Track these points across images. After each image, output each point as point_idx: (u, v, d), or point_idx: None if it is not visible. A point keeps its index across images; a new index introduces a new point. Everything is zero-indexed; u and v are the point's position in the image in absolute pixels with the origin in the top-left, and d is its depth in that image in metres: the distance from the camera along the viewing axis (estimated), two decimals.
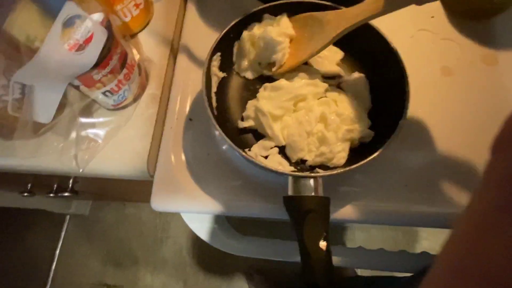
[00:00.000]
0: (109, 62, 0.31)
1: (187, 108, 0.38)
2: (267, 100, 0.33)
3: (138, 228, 1.06)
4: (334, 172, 0.28)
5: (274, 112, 0.32)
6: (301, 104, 0.33)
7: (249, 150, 0.33)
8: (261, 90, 0.34)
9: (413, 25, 0.41)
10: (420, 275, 0.36)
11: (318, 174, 0.28)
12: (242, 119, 0.34)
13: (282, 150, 0.33)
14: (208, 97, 0.31)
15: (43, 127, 0.35)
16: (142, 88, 0.39)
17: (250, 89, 0.36)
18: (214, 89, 0.34)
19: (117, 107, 0.37)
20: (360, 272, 0.84)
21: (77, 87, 0.33)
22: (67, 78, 0.30)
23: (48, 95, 0.30)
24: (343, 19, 0.30)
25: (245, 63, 0.36)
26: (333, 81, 0.35)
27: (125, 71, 0.34)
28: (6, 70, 0.31)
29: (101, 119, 0.37)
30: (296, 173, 0.28)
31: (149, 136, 0.37)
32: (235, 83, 0.37)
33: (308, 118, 0.32)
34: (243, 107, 0.35)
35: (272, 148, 0.33)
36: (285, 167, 0.32)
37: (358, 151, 0.32)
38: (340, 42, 0.36)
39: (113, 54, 0.32)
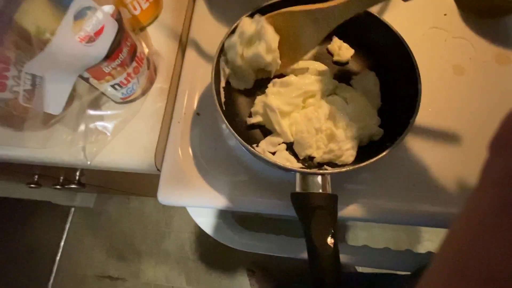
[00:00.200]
0: (119, 54, 0.31)
1: (195, 103, 0.38)
2: (276, 96, 0.32)
3: (141, 221, 1.07)
4: (343, 169, 0.27)
5: (283, 108, 0.32)
6: (310, 101, 0.33)
7: (257, 146, 0.32)
8: (270, 85, 0.34)
9: (425, 23, 0.40)
10: (419, 272, 0.36)
11: (326, 171, 0.28)
12: (250, 115, 0.34)
13: (289, 147, 0.33)
14: (217, 92, 0.31)
15: (53, 118, 0.35)
16: (151, 81, 0.39)
17: (259, 85, 0.36)
18: (222, 84, 0.34)
19: (126, 101, 0.37)
20: (361, 268, 0.84)
21: (86, 80, 0.33)
22: (77, 70, 0.30)
23: (59, 86, 0.30)
24: (331, 18, 0.28)
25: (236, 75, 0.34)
26: (343, 78, 0.35)
27: (134, 64, 0.34)
28: (17, 61, 0.31)
29: (109, 112, 0.37)
30: (305, 170, 0.28)
31: (156, 130, 0.37)
32: None
33: (317, 114, 0.31)
34: (251, 103, 0.35)
35: (280, 144, 0.33)
36: (292, 163, 0.31)
37: (367, 149, 0.31)
38: (351, 39, 0.36)
39: (123, 47, 0.32)
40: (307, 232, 0.25)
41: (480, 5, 0.39)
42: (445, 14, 0.40)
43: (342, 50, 0.36)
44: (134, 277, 1.01)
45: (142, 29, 0.42)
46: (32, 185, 0.58)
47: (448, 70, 0.37)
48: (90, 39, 0.29)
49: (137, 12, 0.39)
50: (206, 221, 0.41)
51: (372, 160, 0.27)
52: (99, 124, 0.36)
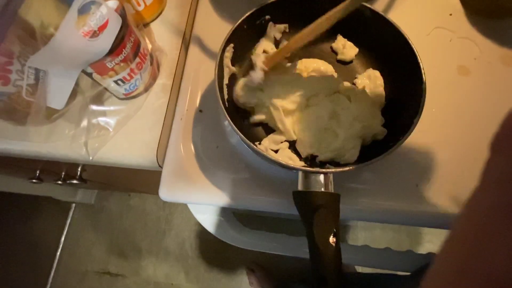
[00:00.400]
0: (122, 50, 0.31)
1: (198, 100, 0.38)
2: (280, 93, 0.32)
3: (142, 219, 1.07)
4: (346, 168, 0.27)
5: (286, 106, 0.32)
6: (313, 99, 0.33)
7: (259, 143, 0.32)
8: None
9: (430, 23, 0.40)
10: (420, 273, 0.36)
11: (329, 170, 0.27)
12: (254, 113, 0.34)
13: (292, 145, 0.33)
14: (220, 88, 0.31)
15: (55, 113, 0.35)
16: (154, 78, 0.39)
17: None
18: (226, 81, 0.34)
19: (128, 96, 0.37)
20: (361, 269, 0.84)
21: (89, 75, 0.33)
22: (81, 65, 0.30)
23: (62, 81, 0.30)
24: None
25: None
26: (347, 76, 0.35)
27: (137, 60, 0.34)
28: (20, 55, 0.31)
29: (112, 108, 0.37)
30: (307, 168, 0.28)
31: (159, 126, 0.37)
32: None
33: (321, 113, 0.31)
34: None
35: (282, 142, 0.33)
36: (295, 162, 0.31)
37: (370, 149, 0.31)
38: (355, 38, 0.36)
39: (127, 42, 0.32)
40: (309, 230, 0.25)
41: (486, 6, 0.39)
42: (450, 14, 0.40)
43: (346, 49, 0.36)
44: (134, 274, 1.02)
45: (146, 25, 0.41)
46: (34, 180, 0.58)
47: (453, 70, 0.37)
48: (94, 34, 0.29)
49: (141, 8, 0.39)
50: (207, 218, 0.41)
51: (375, 160, 0.27)
52: (101, 119, 0.36)
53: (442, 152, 0.34)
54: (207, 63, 0.39)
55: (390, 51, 0.33)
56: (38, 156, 0.38)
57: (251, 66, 0.34)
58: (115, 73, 0.33)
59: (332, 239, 0.24)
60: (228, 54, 0.34)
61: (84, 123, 0.36)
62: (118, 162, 0.37)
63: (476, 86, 0.36)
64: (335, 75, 0.34)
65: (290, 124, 0.32)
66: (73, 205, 1.10)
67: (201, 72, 0.39)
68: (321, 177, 0.27)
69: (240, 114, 0.34)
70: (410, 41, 0.31)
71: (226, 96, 0.33)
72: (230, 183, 0.34)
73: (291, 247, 0.41)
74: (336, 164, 0.31)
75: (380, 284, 0.50)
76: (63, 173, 0.58)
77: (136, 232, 1.06)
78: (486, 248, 0.11)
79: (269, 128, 0.34)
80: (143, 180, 0.70)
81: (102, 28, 0.29)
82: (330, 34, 0.36)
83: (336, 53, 0.36)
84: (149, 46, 0.38)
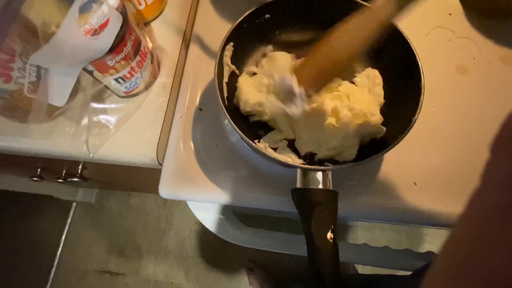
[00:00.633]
0: (123, 48, 0.32)
1: (198, 98, 0.38)
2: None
3: (142, 218, 1.08)
4: (344, 166, 0.28)
5: None
6: (312, 98, 0.33)
7: (258, 141, 0.33)
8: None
9: (430, 22, 0.40)
10: (419, 273, 0.36)
11: (328, 167, 0.28)
12: None
13: (291, 143, 0.33)
14: (220, 87, 0.31)
15: (57, 110, 0.35)
16: (154, 76, 0.39)
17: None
18: (225, 79, 0.34)
19: (129, 94, 0.38)
20: (361, 270, 0.84)
21: (90, 72, 0.33)
22: (82, 63, 0.30)
23: (63, 78, 0.30)
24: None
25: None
26: (346, 75, 0.35)
27: (138, 58, 0.34)
28: (22, 53, 0.31)
29: (112, 106, 0.37)
30: (306, 166, 0.28)
31: (159, 124, 0.37)
32: (245, 76, 0.36)
33: (319, 111, 0.31)
34: None
35: (281, 140, 0.33)
36: (294, 160, 0.31)
37: (368, 147, 0.31)
38: None
39: (127, 40, 0.32)
40: (307, 227, 0.25)
41: (485, 6, 0.39)
42: (450, 14, 0.40)
43: None
44: (134, 272, 1.02)
45: (147, 24, 0.42)
46: (34, 178, 0.58)
47: (452, 69, 0.37)
48: (95, 32, 0.29)
49: (141, 7, 0.39)
50: (206, 216, 0.41)
51: (373, 157, 0.27)
52: (102, 117, 0.37)
53: (441, 151, 0.34)
54: (207, 62, 0.40)
55: (389, 50, 0.33)
56: (39, 153, 0.38)
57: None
58: (116, 71, 0.33)
59: (329, 235, 0.24)
60: (228, 53, 0.34)
61: (85, 120, 0.37)
62: (119, 159, 0.37)
63: (475, 86, 0.36)
64: None
65: (289, 123, 0.32)
66: (74, 204, 1.10)
67: (201, 71, 0.39)
68: (320, 174, 0.27)
69: (239, 112, 0.34)
70: (409, 40, 0.31)
71: (226, 95, 0.34)
72: (230, 181, 0.34)
73: (291, 245, 0.41)
74: (334, 162, 0.31)
75: (380, 285, 0.50)
76: (64, 171, 0.58)
77: (136, 231, 1.06)
78: (486, 249, 0.11)
79: (268, 127, 0.34)
80: (143, 179, 0.70)
81: (103, 26, 0.29)
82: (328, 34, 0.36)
83: None
84: (150, 45, 0.38)
